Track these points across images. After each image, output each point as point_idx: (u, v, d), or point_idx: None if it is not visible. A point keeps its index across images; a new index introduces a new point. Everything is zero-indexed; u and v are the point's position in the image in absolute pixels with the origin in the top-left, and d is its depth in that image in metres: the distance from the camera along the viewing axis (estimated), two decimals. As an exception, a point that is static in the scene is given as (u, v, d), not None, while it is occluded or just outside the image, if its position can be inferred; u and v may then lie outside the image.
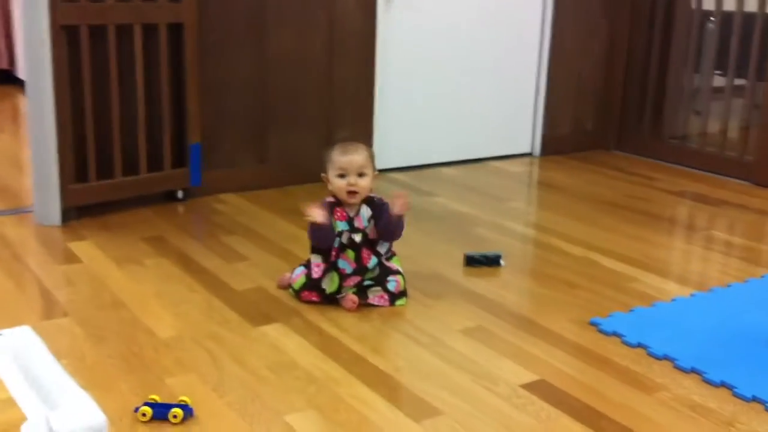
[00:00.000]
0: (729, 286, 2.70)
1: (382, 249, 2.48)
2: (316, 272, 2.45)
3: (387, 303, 2.46)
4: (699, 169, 4.27)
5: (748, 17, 4.12)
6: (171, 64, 3.34)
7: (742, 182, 4.06)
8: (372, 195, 2.47)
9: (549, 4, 4.37)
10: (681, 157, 4.39)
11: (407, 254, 2.76)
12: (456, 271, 2.78)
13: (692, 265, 2.95)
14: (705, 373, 2.08)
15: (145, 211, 3.33)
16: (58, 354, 2.05)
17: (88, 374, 1.99)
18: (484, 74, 4.31)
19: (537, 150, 4.54)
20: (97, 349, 2.14)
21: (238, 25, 3.53)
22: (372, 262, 2.45)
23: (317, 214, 2.34)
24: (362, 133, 3.91)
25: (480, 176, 4.11)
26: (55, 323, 2.29)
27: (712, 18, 4.62)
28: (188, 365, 2.07)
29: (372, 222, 2.44)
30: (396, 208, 2.40)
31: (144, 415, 1.79)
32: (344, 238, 2.43)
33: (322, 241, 2.42)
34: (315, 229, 2.39)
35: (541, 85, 4.46)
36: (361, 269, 2.44)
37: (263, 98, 3.66)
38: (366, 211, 2.44)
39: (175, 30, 3.32)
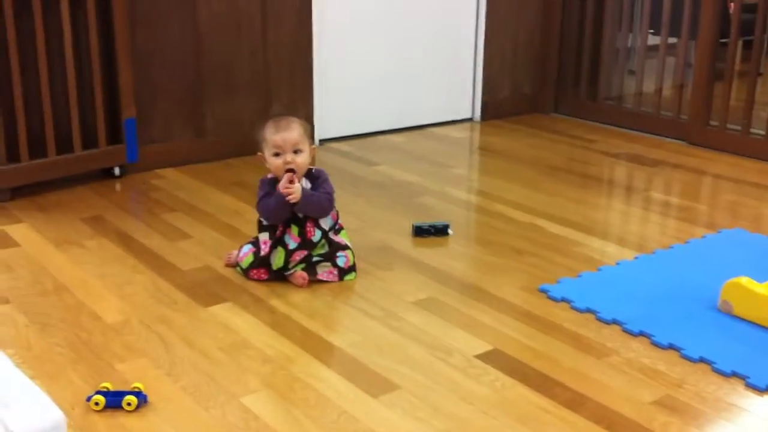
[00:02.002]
0: (671, 247, 2.75)
1: (325, 224, 2.45)
2: (264, 249, 2.41)
3: (336, 278, 2.44)
4: (635, 130, 4.33)
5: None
6: (100, 35, 3.23)
7: (678, 142, 4.14)
8: (310, 167, 2.44)
9: (485, -32, 4.36)
10: (617, 118, 4.45)
11: (355, 226, 2.75)
12: (404, 242, 2.77)
13: (634, 228, 3.00)
14: (653, 336, 2.12)
15: (82, 190, 3.23)
16: (2, 344, 1.99)
17: (36, 364, 1.94)
18: (423, 40, 4.28)
19: (477, 115, 4.55)
20: (43, 337, 2.08)
21: (168, -9, 3.43)
22: (316, 235, 2.42)
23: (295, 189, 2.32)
24: (301, 101, 3.86)
25: (423, 143, 4.10)
26: (-4, 312, 2.22)
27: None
28: (138, 350, 2.03)
29: None
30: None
31: (97, 404, 1.75)
32: (289, 213, 2.40)
33: (281, 217, 2.39)
34: (282, 205, 2.34)
35: (479, 50, 4.46)
36: (306, 243, 2.41)
37: (197, 68, 3.57)
38: (306, 185, 2.41)
39: (103, -1, 3.21)
